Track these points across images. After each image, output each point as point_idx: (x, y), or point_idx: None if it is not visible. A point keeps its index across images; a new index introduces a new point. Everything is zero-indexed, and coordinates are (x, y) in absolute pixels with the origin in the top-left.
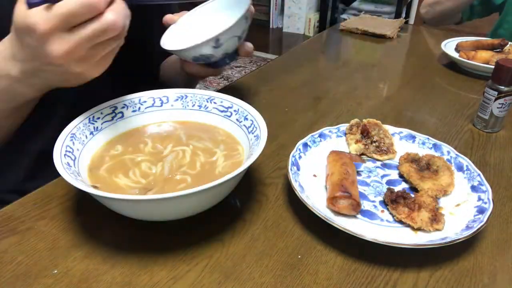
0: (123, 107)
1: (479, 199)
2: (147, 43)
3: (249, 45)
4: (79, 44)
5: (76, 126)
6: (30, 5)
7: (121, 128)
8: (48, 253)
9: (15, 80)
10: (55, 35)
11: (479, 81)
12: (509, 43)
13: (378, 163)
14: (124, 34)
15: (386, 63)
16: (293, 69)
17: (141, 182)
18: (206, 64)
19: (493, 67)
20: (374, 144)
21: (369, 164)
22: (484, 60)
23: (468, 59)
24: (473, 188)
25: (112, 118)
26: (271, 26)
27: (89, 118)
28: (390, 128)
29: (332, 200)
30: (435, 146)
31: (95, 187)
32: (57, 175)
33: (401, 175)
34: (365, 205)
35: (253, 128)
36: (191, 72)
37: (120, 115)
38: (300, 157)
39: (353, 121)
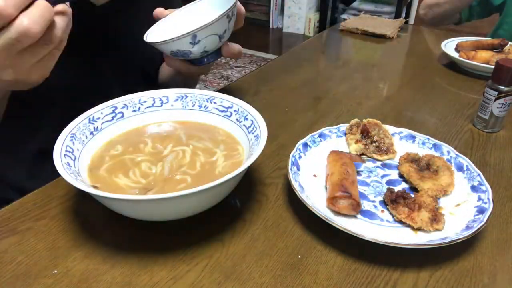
0: (123, 107)
1: (479, 199)
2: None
3: (234, 47)
4: None
5: (76, 126)
6: None
7: (121, 128)
8: (48, 253)
9: None
10: None
11: (479, 81)
12: (509, 43)
13: (378, 163)
14: (54, 39)
15: (386, 63)
16: (293, 69)
17: (141, 182)
18: (188, 61)
19: (493, 67)
20: (374, 144)
21: (369, 164)
22: (484, 60)
23: (468, 59)
24: (473, 188)
25: (112, 118)
26: (271, 26)
27: (89, 118)
28: (390, 128)
29: (332, 200)
30: (435, 146)
31: (95, 187)
32: (57, 175)
33: (401, 175)
34: (365, 205)
35: (253, 128)
36: (172, 66)
37: (120, 115)
38: (300, 157)
39: (353, 121)
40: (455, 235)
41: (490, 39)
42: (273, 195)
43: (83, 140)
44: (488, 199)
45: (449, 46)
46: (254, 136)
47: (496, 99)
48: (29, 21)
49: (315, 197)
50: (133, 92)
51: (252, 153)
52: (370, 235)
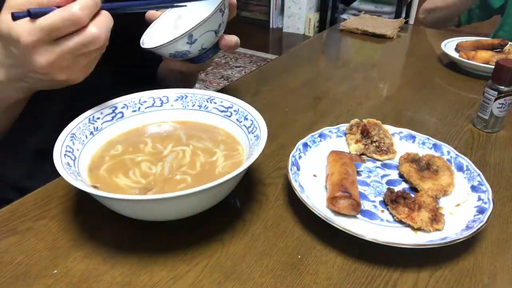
0: (123, 107)
1: (479, 199)
2: None
3: (231, 38)
4: (62, 55)
5: (76, 126)
6: (15, 18)
7: (121, 128)
8: (48, 253)
9: (1, 84)
10: (38, 47)
11: (479, 81)
12: (509, 43)
13: (378, 163)
14: (106, 44)
15: (386, 63)
16: (293, 69)
17: (141, 182)
18: (187, 60)
19: (493, 67)
20: (374, 144)
21: (369, 164)
22: (484, 60)
23: (468, 59)
24: (473, 188)
25: (112, 118)
26: (271, 26)
27: (89, 118)
28: (390, 128)
29: (332, 200)
30: (435, 146)
31: (95, 187)
32: (57, 175)
33: (401, 175)
34: (365, 205)
35: (253, 128)
36: (172, 68)
37: (120, 115)
38: (300, 157)
39: (353, 121)
40: (455, 235)
41: (490, 39)
42: (273, 195)
43: (83, 140)
44: (488, 199)
45: (449, 46)
46: (254, 136)
47: (496, 99)
48: (98, 30)
49: (315, 197)
50: (133, 92)
51: (252, 153)
52: (370, 235)
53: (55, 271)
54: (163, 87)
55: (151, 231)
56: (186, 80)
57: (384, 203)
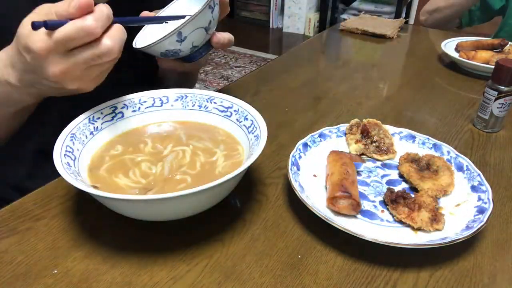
0: (123, 107)
1: (479, 199)
2: None
3: (224, 36)
4: (75, 66)
5: (76, 126)
6: (35, 27)
7: (121, 128)
8: (48, 253)
9: (13, 88)
10: (52, 56)
11: (479, 81)
12: (509, 43)
13: (378, 163)
14: (119, 56)
15: (386, 63)
16: (293, 69)
17: (141, 182)
18: (180, 58)
19: (493, 67)
20: (374, 144)
21: (369, 164)
22: (484, 60)
23: (468, 59)
24: (473, 188)
25: (112, 118)
26: (271, 26)
27: (89, 118)
28: (390, 128)
29: (332, 200)
30: (435, 146)
31: (95, 187)
32: (57, 175)
33: (401, 175)
34: (365, 205)
35: (253, 128)
36: (166, 67)
37: (120, 115)
38: (300, 157)
39: (353, 121)
40: (455, 235)
41: (490, 39)
42: (273, 195)
43: (83, 140)
44: (488, 199)
45: (449, 46)
46: (254, 136)
47: (496, 99)
48: (112, 42)
49: (315, 197)
50: (133, 92)
51: (252, 153)
52: (370, 235)
53: (55, 271)
54: (163, 87)
55: (151, 231)
56: (185, 80)
57: (384, 203)
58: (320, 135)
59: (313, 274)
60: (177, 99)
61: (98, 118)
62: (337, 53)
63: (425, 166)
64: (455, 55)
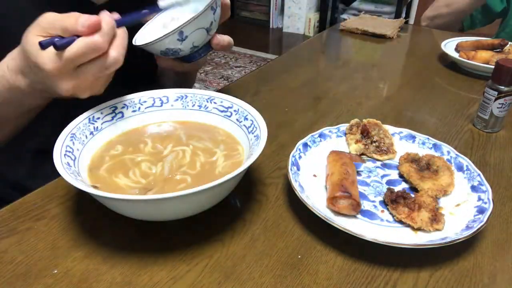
0: (123, 107)
1: (479, 199)
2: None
3: (224, 38)
4: (85, 80)
5: (76, 126)
6: (43, 47)
7: (121, 128)
8: (48, 253)
9: (23, 92)
10: (62, 75)
11: (479, 81)
12: (509, 43)
13: (378, 163)
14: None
15: (386, 63)
16: (293, 69)
17: (141, 182)
18: (179, 58)
19: (493, 67)
20: (374, 144)
21: (369, 164)
22: (484, 60)
23: (468, 59)
24: (473, 188)
25: (112, 118)
26: (271, 26)
27: (89, 118)
28: (390, 128)
29: (332, 200)
30: (435, 146)
31: (95, 187)
32: (57, 175)
33: (401, 175)
34: (365, 205)
35: (253, 128)
36: (164, 66)
37: (120, 115)
38: (300, 157)
39: (353, 121)
40: (455, 235)
41: (490, 39)
42: (273, 195)
43: (83, 140)
44: (488, 199)
45: (449, 46)
46: (254, 136)
47: (496, 99)
48: (117, 53)
49: (315, 197)
50: (133, 92)
51: (252, 153)
52: (370, 235)
53: (55, 271)
54: (163, 87)
55: (151, 231)
56: (183, 80)
57: (384, 203)
58: (320, 135)
59: (313, 274)
60: (177, 99)
61: (98, 118)
62: (337, 53)
63: (425, 166)
64: (455, 55)
